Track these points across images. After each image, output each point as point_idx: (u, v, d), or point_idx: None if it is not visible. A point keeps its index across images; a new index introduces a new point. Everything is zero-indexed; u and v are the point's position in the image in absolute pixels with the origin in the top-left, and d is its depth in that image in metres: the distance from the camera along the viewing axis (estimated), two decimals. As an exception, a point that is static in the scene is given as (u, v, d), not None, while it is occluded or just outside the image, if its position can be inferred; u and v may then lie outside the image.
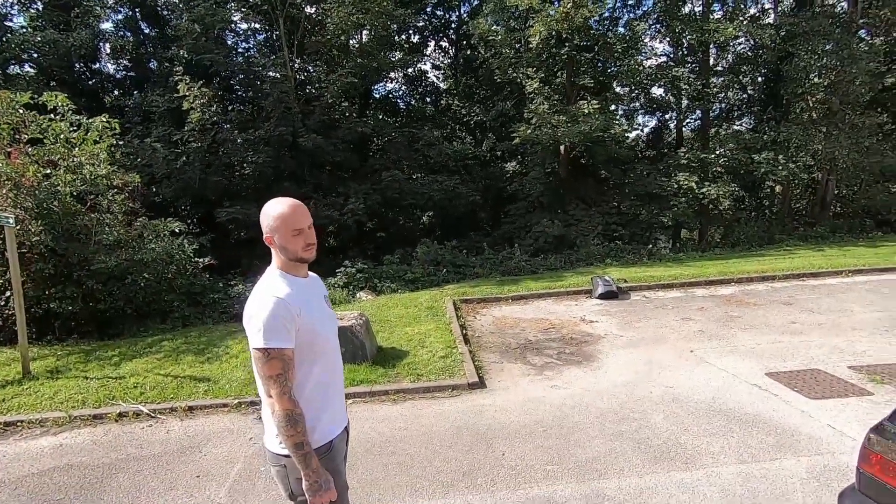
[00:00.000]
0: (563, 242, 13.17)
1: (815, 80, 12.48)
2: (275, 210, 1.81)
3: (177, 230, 8.94)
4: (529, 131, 12.10)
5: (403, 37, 19.96)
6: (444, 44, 21.38)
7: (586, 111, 11.86)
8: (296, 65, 16.27)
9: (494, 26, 14.55)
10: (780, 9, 15.74)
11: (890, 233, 13.32)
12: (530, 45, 12.97)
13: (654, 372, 5.34)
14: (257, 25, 16.45)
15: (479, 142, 19.09)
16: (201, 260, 9.19)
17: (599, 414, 4.45)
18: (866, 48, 12.58)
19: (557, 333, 6.89)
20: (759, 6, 16.60)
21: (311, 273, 2.03)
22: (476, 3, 18.90)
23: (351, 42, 17.27)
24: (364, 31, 16.81)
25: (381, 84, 20.09)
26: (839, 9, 14.40)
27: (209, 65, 14.02)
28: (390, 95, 21.07)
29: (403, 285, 10.83)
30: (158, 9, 16.79)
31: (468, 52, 19.77)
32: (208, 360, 6.18)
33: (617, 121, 13.77)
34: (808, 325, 6.58)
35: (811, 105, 13.43)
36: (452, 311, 7.88)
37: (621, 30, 15.03)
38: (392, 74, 19.68)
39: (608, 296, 8.50)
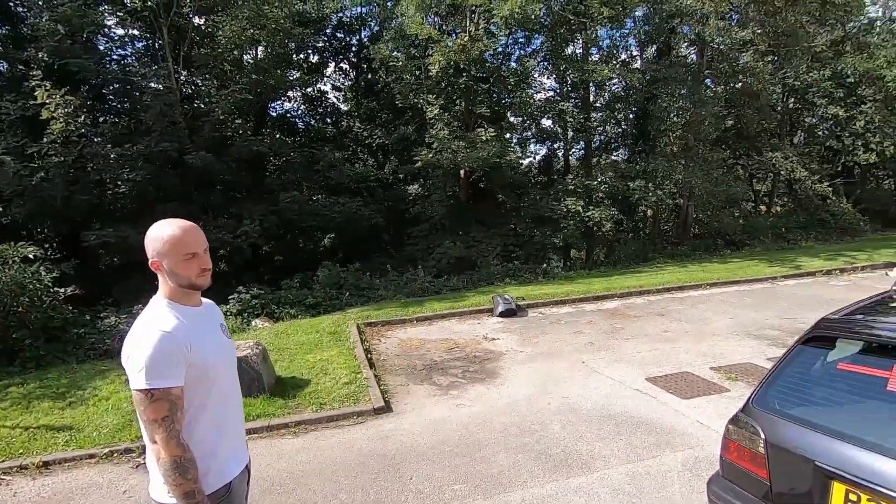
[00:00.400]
0: (465, 263, 13.56)
1: (675, 119, 14.46)
2: (164, 232, 1.65)
3: (31, 256, 7.72)
4: (431, 156, 12.45)
5: (302, 56, 19.58)
6: (345, 66, 21.32)
7: (484, 138, 12.51)
8: (182, 77, 15.15)
9: (395, 52, 14.86)
10: (645, 56, 18.03)
11: (735, 251, 15.59)
12: (430, 73, 13.43)
13: (551, 384, 5.64)
14: (136, 32, 15.09)
15: (382, 164, 19.15)
16: (62, 290, 8.00)
17: (503, 429, 4.59)
18: (712, 94, 14.86)
19: (462, 352, 7.02)
20: (629, 53, 18.87)
21: (205, 300, 1.88)
22: (376, 29, 19.18)
23: (245, 58, 16.54)
24: (260, 48, 16.20)
25: (279, 103, 19.43)
26: (690, 60, 16.88)
27: (76, 70, 12.52)
28: (288, 115, 20.43)
29: (304, 310, 10.37)
30: (10, 4, 14.72)
31: (369, 76, 19.90)
32: (71, 405, 5.35)
33: (512, 148, 14.68)
34: (678, 332, 7.42)
35: (672, 140, 15.51)
36: (356, 335, 7.70)
37: (513, 65, 16.14)
38: (290, 93, 19.13)
39: (508, 314, 8.88)
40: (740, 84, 16.27)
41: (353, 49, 20.62)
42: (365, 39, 19.90)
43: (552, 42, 15.33)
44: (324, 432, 4.75)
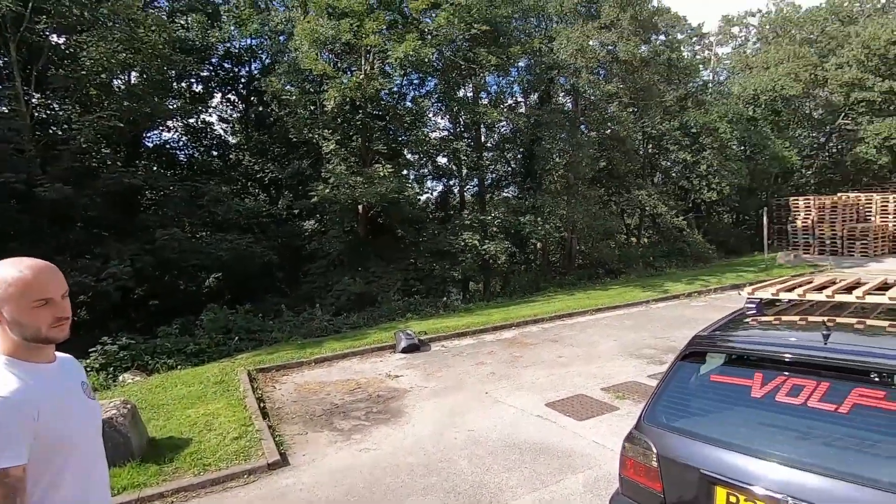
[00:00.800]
0: (366, 299, 13.27)
1: (557, 159, 15.84)
2: (6, 274, 1.36)
3: None
4: (328, 191, 12.18)
5: (184, 84, 18.33)
6: (233, 97, 20.34)
7: (382, 174, 12.58)
8: (34, 100, 13.32)
9: (288, 86, 14.54)
10: (528, 102, 19.65)
11: (614, 278, 17.18)
12: (325, 109, 13.31)
13: (456, 418, 5.61)
14: (-26, 46, 13.06)
15: (275, 199, 18.30)
16: None
17: (410, 470, 4.43)
18: (587, 139, 16.59)
19: (364, 393, 6.74)
20: (514, 99, 20.45)
21: (60, 354, 1.56)
22: (268, 61, 18.68)
23: (116, 82, 15.06)
24: (134, 73, 14.87)
25: (156, 132, 17.86)
26: (567, 107, 18.76)
27: None
28: (168, 145, 18.79)
29: (185, 360, 9.31)
30: None
31: (260, 109, 19.17)
32: None
33: (409, 184, 14.93)
34: (571, 357, 7.86)
35: (556, 179, 16.92)
36: (247, 382, 7.05)
37: (409, 104, 16.63)
38: (170, 123, 17.71)
39: (411, 349, 8.77)
40: (609, 130, 18.40)
41: (243, 81, 19.80)
42: (255, 72, 19.24)
43: (445, 85, 16.11)
44: (208, 497, 4.20)
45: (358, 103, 13.14)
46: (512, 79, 18.86)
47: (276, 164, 17.64)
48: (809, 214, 20.23)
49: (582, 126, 17.76)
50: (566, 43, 14.05)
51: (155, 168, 16.17)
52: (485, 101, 17.12)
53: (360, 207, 14.56)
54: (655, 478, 2.39)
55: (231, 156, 19.25)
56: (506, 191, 20.10)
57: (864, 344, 2.32)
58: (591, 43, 14.30)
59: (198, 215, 14.79)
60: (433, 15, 13.51)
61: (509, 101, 19.69)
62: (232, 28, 17.28)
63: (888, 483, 1.81)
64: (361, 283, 13.42)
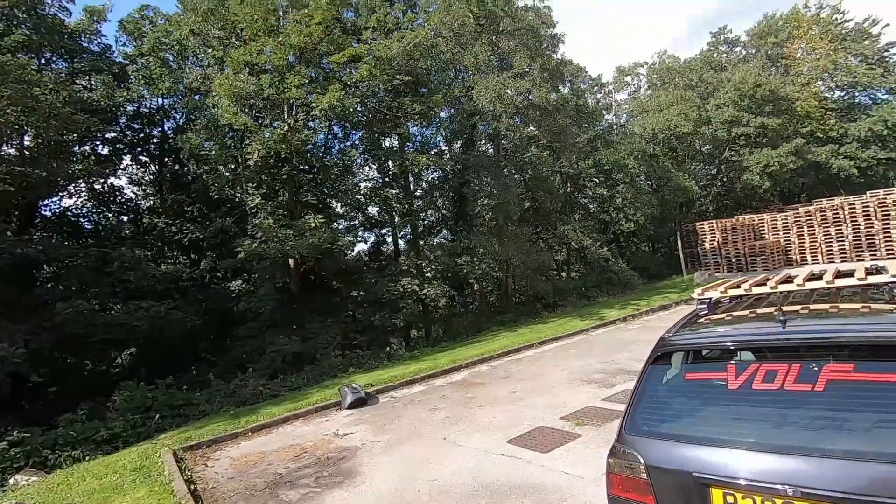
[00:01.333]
0: (304, 358, 12.47)
1: (486, 201, 16.31)
2: None
3: None
4: (255, 245, 11.55)
5: (88, 147, 17.06)
6: (145, 158, 19.19)
7: (313, 225, 12.19)
8: None
9: (206, 143, 13.98)
10: (453, 149, 20.31)
11: (552, 311, 17.54)
12: (248, 163, 12.87)
13: (416, 469, 5.21)
14: None
15: (196, 261, 17.11)
16: None
17: (374, 534, 3.97)
18: (512, 181, 17.30)
19: (311, 457, 6.13)
20: (439, 148, 21.06)
21: None
22: (182, 120, 17.97)
23: (5, 147, 13.70)
24: (27, 135, 13.63)
25: (56, 199, 16.30)
26: (490, 152, 19.60)
27: None
28: (69, 212, 17.16)
29: (95, 449, 8.07)
30: None
31: (176, 168, 18.22)
32: None
33: (342, 234, 14.58)
34: (525, 391, 7.73)
35: (486, 220, 17.35)
36: (173, 464, 6.19)
37: (336, 156, 16.56)
38: (72, 188, 16.28)
39: (358, 403, 8.22)
40: (531, 172, 19.37)
41: (155, 141, 18.79)
42: (169, 131, 18.39)
43: (371, 135, 16.29)
44: None
45: (283, 156, 12.85)
46: (435, 128, 19.53)
47: (195, 224, 16.61)
48: (714, 237, 22.14)
49: (506, 169, 18.54)
50: (484, 91, 14.83)
51: (55, 237, 14.60)
52: (411, 151, 17.46)
53: (291, 262, 13.94)
54: (647, 490, 2.25)
55: (145, 219, 17.92)
56: (439, 235, 20.28)
57: (820, 324, 2.40)
58: (507, 91, 15.20)
59: (106, 283, 13.40)
60: (355, 68, 13.76)
61: (434, 150, 20.31)
62: (142, 88, 16.52)
63: (875, 453, 1.80)
64: (298, 342, 12.63)
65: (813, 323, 2.43)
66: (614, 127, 25.42)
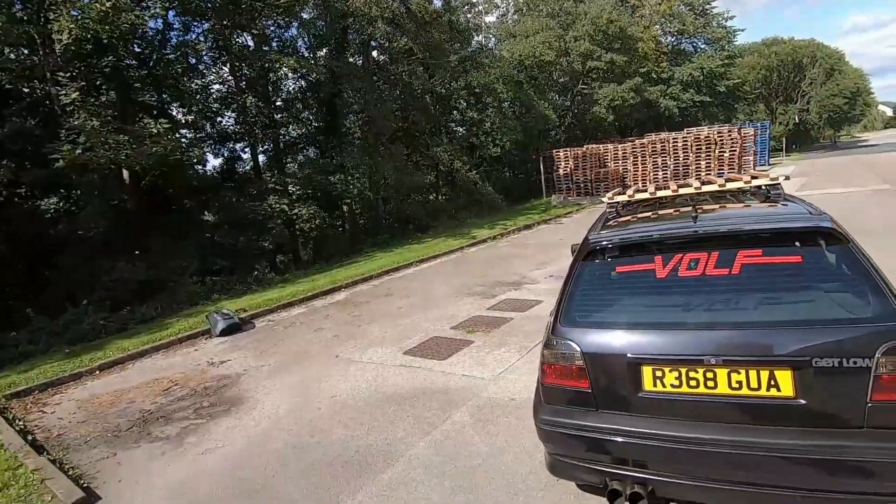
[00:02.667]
0: (153, 287, 10.92)
1: (360, 115, 15.28)
2: None
3: None
4: (79, 152, 9.28)
5: None
6: None
7: (155, 131, 10.17)
8: None
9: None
10: (319, 55, 18.34)
11: (424, 233, 17.82)
12: (55, 47, 10.03)
13: (312, 388, 5.00)
14: None
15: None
16: None
17: (278, 456, 3.75)
18: (387, 95, 16.38)
19: (184, 389, 5.52)
20: (300, 53, 18.81)
21: None
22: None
23: None
24: None
25: None
26: (360, 63, 18.16)
27: None
28: None
29: None
30: None
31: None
32: None
33: (194, 145, 12.55)
34: (411, 306, 7.82)
35: (361, 136, 16.40)
36: (-3, 414, 5.08)
37: (173, 51, 13.74)
38: None
39: (231, 329, 7.55)
40: (403, 89, 18.54)
41: None
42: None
43: (220, 28, 13.77)
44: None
45: (106, 41, 10.21)
46: (297, 29, 17.28)
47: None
48: (568, 164, 24.19)
49: (379, 83, 17.47)
50: (357, -10, 13.37)
51: None
52: (272, 51, 15.31)
53: (126, 175, 11.69)
54: (581, 375, 2.37)
55: None
56: (305, 153, 18.74)
57: (725, 219, 2.67)
58: (382, -9, 13.90)
59: None
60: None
61: (296, 57, 18.11)
62: None
63: (779, 321, 2.09)
64: (144, 269, 10.96)
65: (718, 218, 2.69)
66: (484, 49, 25.29)
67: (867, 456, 1.91)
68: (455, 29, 20.40)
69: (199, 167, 14.22)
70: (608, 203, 3.41)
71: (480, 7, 32.81)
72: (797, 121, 53.61)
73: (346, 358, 5.80)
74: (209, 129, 16.51)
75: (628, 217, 3.13)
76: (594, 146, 24.31)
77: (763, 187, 3.25)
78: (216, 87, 14.92)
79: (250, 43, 15.84)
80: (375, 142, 16.63)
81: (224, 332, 7.46)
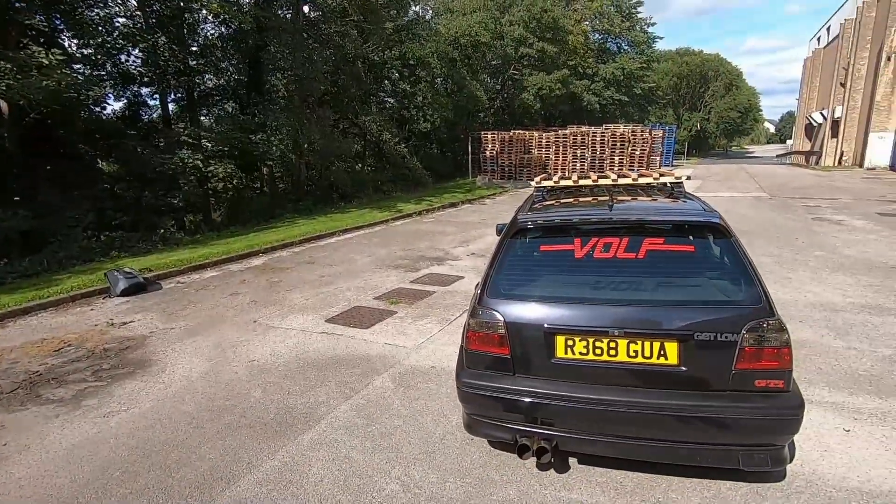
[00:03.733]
0: (38, 239, 9.76)
1: (287, 73, 14.43)
2: None
3: None
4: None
5: None
6: None
7: (45, 62, 8.91)
8: None
9: None
10: (242, 1, 16.93)
11: (349, 202, 17.48)
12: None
13: (229, 352, 4.87)
14: None
15: None
16: None
17: (190, 419, 3.65)
18: (317, 56, 15.61)
19: (80, 350, 5.11)
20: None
21: None
22: None
23: None
24: None
25: None
26: (289, 17, 17.04)
27: None
28: None
29: None
30: None
31: None
32: None
33: (92, 83, 11.15)
34: (334, 275, 7.75)
35: (285, 94, 15.52)
36: None
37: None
38: None
39: (135, 289, 7.03)
40: (336, 50, 17.75)
41: None
42: None
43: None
44: None
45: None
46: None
47: None
48: (495, 146, 24.79)
49: (310, 41, 16.57)
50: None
51: None
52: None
53: (3, 107, 10.17)
54: (503, 343, 2.59)
55: None
56: (224, 105, 17.41)
57: (636, 209, 2.99)
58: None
59: None
60: None
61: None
62: None
63: (671, 301, 2.43)
64: (28, 218, 9.73)
65: (631, 208, 3.01)
66: (420, 20, 24.83)
67: (728, 414, 2.31)
68: (391, -6, 19.77)
69: (97, 109, 12.70)
70: (536, 187, 3.66)
71: (420, -24, 32.04)
72: (699, 128, 58.93)
73: (264, 324, 5.67)
74: (110, 68, 14.76)
75: (553, 201, 3.38)
76: (521, 132, 25.08)
77: (668, 184, 3.67)
78: (121, 20, 13.30)
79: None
80: (302, 103, 15.87)
81: (126, 292, 6.92)
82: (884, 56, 24.92)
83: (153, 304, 6.58)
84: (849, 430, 3.14)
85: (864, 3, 27.52)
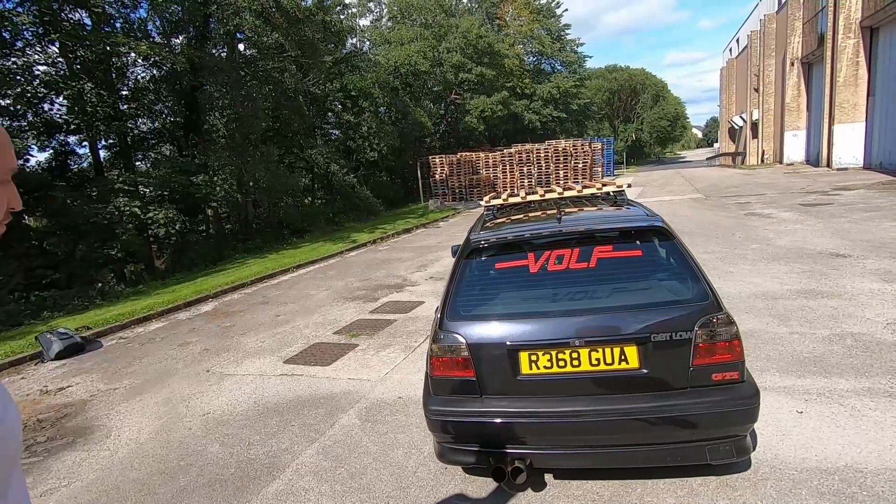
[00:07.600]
0: (-44, 306, 8.93)
1: (227, 112, 14.14)
2: None
3: None
4: None
5: None
6: None
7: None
8: None
9: None
10: (174, 43, 16.57)
11: (301, 237, 17.12)
12: None
13: (181, 407, 4.56)
14: None
15: None
16: None
17: (142, 486, 3.37)
18: (256, 93, 15.41)
19: (10, 424, 4.62)
20: (152, 38, 16.81)
21: None
22: None
23: None
24: None
25: None
26: (223, 57, 16.80)
27: None
28: None
29: None
30: None
31: None
32: None
33: (12, 135, 10.45)
34: (290, 313, 7.50)
35: (225, 133, 15.16)
36: None
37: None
38: None
39: (72, 351, 6.52)
40: (274, 87, 17.60)
41: None
42: None
43: (43, 6, 11.74)
44: None
45: None
46: (146, 13, 15.43)
47: None
48: (444, 170, 25.09)
49: (247, 79, 16.36)
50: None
51: None
52: (116, 33, 13.47)
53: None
54: (468, 366, 2.56)
55: None
56: (160, 148, 16.79)
57: (583, 220, 3.07)
58: (249, -16, 13.03)
59: None
60: None
61: (146, 43, 16.12)
62: None
63: (626, 305, 2.49)
64: (-58, 284, 8.90)
65: (578, 219, 3.08)
66: (359, 52, 25.14)
67: (691, 410, 2.36)
68: (329, 29, 19.98)
69: (20, 162, 11.92)
70: (485, 206, 3.70)
71: (355, 9, 32.60)
72: (634, 138, 62.25)
73: (218, 372, 5.37)
74: (31, 118, 13.98)
75: (503, 219, 3.42)
76: (467, 153, 25.56)
77: (611, 193, 3.81)
78: (42, 67, 12.66)
79: (87, 21, 13.81)
80: (244, 141, 15.55)
81: (61, 355, 6.40)
82: (788, 62, 27.36)
83: (93, 365, 6.12)
84: (801, 412, 3.29)
85: (765, 16, 30.27)
